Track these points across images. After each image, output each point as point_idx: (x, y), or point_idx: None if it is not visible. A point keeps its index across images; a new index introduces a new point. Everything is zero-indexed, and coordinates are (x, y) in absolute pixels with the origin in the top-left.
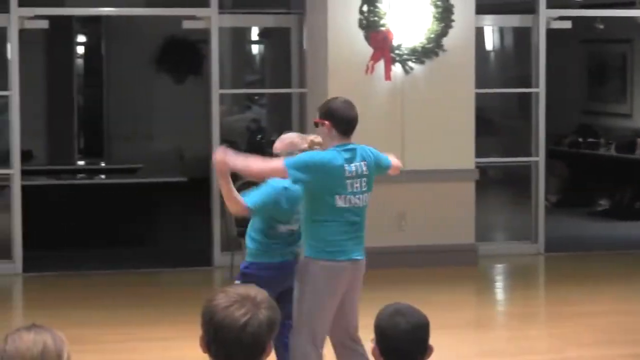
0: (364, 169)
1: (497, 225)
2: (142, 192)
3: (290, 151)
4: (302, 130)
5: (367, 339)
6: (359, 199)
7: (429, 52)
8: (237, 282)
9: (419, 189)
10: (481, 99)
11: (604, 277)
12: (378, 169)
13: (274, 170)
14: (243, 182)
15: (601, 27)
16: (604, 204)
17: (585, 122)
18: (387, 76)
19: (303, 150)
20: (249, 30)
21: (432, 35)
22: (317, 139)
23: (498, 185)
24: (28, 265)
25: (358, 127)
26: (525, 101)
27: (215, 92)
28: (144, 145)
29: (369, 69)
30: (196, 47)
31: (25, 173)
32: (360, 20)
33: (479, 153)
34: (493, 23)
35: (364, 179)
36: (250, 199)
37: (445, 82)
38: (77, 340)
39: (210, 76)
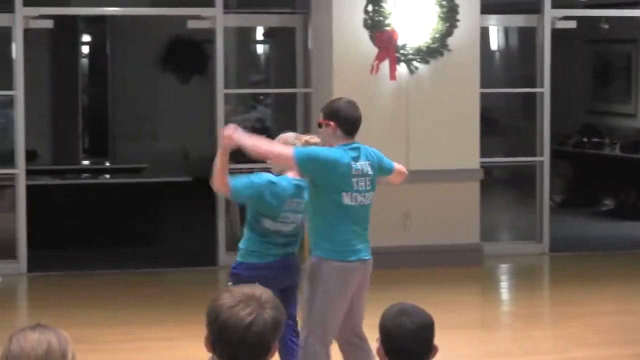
0: (368, 168)
1: (501, 225)
2: (146, 192)
3: None
4: (307, 129)
5: (372, 339)
6: (364, 197)
7: (433, 51)
8: (229, 283)
9: (424, 188)
10: (486, 98)
11: (609, 277)
12: (381, 170)
13: (282, 156)
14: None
15: (606, 27)
16: (608, 203)
17: (590, 122)
18: (392, 76)
19: None
20: (254, 30)
21: (437, 35)
22: (313, 139)
23: (503, 185)
24: (33, 265)
25: (363, 127)
26: (530, 101)
27: (220, 91)
28: (148, 145)
29: (374, 69)
30: (201, 47)
31: (30, 173)
32: (365, 20)
33: (483, 153)
34: (498, 23)
35: (368, 178)
36: (234, 181)
37: (450, 82)
38: (81, 340)
39: (215, 76)
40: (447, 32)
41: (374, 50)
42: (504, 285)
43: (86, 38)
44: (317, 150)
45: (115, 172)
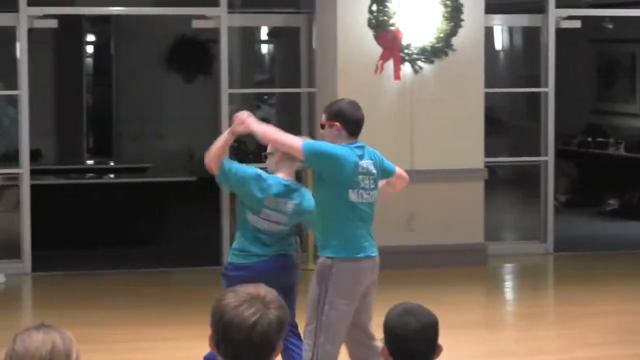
0: (372, 167)
1: (506, 225)
2: (151, 191)
3: (272, 151)
4: (312, 129)
5: (377, 339)
6: (369, 194)
7: (438, 51)
8: (223, 286)
9: (428, 188)
10: (490, 98)
11: (613, 277)
12: (383, 171)
13: (290, 146)
14: None
15: (610, 26)
16: (613, 203)
17: (595, 121)
18: (397, 76)
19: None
20: (258, 29)
21: (442, 35)
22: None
23: (507, 184)
24: (37, 265)
25: (367, 127)
26: (535, 101)
27: (225, 91)
28: (153, 144)
29: (378, 69)
30: (205, 47)
31: (34, 172)
32: (369, 20)
33: (488, 153)
34: (502, 22)
35: (372, 177)
36: (226, 162)
37: (454, 81)
38: (85, 340)
39: (219, 76)
40: (452, 32)
41: (378, 50)
42: (508, 285)
43: (90, 38)
44: (325, 144)
45: (120, 172)
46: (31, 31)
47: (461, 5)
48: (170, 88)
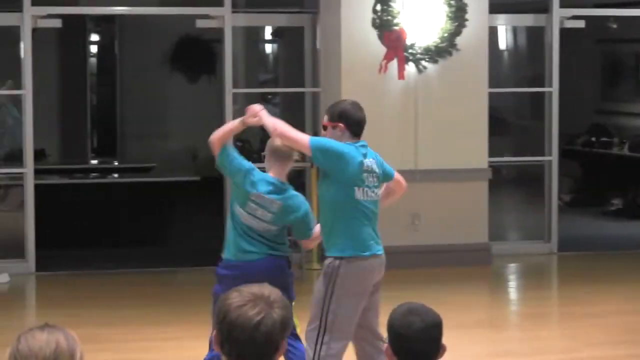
0: (375, 166)
1: (510, 224)
2: (155, 191)
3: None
4: (316, 129)
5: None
6: (374, 192)
7: (442, 51)
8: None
9: (432, 188)
10: (494, 98)
11: (617, 276)
12: (384, 174)
13: (297, 141)
14: None
15: (615, 26)
16: (617, 203)
17: (599, 121)
18: (401, 75)
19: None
20: (262, 29)
21: (446, 35)
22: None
23: (511, 184)
24: (41, 265)
25: (371, 126)
26: (539, 100)
27: (229, 91)
28: (157, 144)
29: (382, 68)
30: (209, 46)
31: (38, 172)
32: (373, 20)
33: (492, 152)
34: (506, 22)
35: (375, 175)
36: (229, 148)
37: (458, 81)
38: (89, 340)
39: (223, 75)
40: (456, 32)
41: (382, 49)
42: (512, 284)
43: (94, 37)
44: (332, 141)
45: (124, 172)
46: (35, 31)
47: (465, 5)
48: (174, 88)
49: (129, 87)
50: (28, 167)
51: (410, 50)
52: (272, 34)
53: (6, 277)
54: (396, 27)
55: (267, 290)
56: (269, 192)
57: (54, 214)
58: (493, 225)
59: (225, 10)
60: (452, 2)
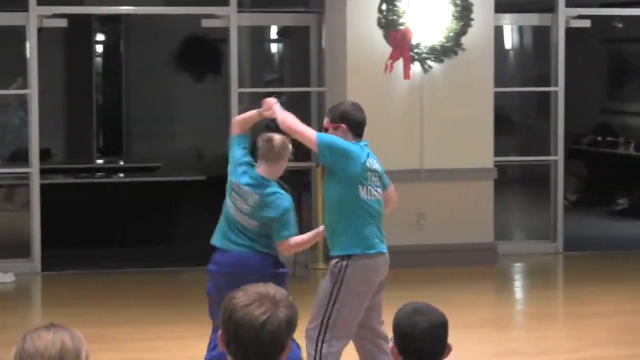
0: (377, 166)
1: (515, 224)
2: (160, 190)
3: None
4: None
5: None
6: (377, 192)
7: (448, 50)
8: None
9: (438, 188)
10: (500, 97)
11: (623, 276)
12: (381, 180)
13: (305, 135)
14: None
15: (620, 25)
16: (622, 203)
17: (605, 121)
18: (406, 75)
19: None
20: (268, 29)
21: (451, 34)
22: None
23: (517, 184)
24: (46, 264)
25: (377, 126)
26: (544, 100)
27: (234, 90)
28: (162, 144)
29: (388, 68)
30: (215, 46)
31: (43, 172)
32: (379, 19)
33: (497, 152)
34: (512, 22)
35: (377, 175)
36: (242, 137)
37: (464, 80)
38: (95, 339)
39: (229, 75)
40: (462, 31)
41: (388, 49)
42: (518, 284)
43: (100, 37)
44: (338, 139)
45: (129, 171)
46: (41, 30)
47: (471, 4)
48: (179, 87)
49: (134, 87)
50: (34, 167)
51: (415, 50)
52: (278, 33)
53: (11, 277)
54: (402, 27)
55: (273, 289)
56: (248, 185)
57: (60, 213)
58: (498, 224)
59: (231, 9)
60: (458, 2)
